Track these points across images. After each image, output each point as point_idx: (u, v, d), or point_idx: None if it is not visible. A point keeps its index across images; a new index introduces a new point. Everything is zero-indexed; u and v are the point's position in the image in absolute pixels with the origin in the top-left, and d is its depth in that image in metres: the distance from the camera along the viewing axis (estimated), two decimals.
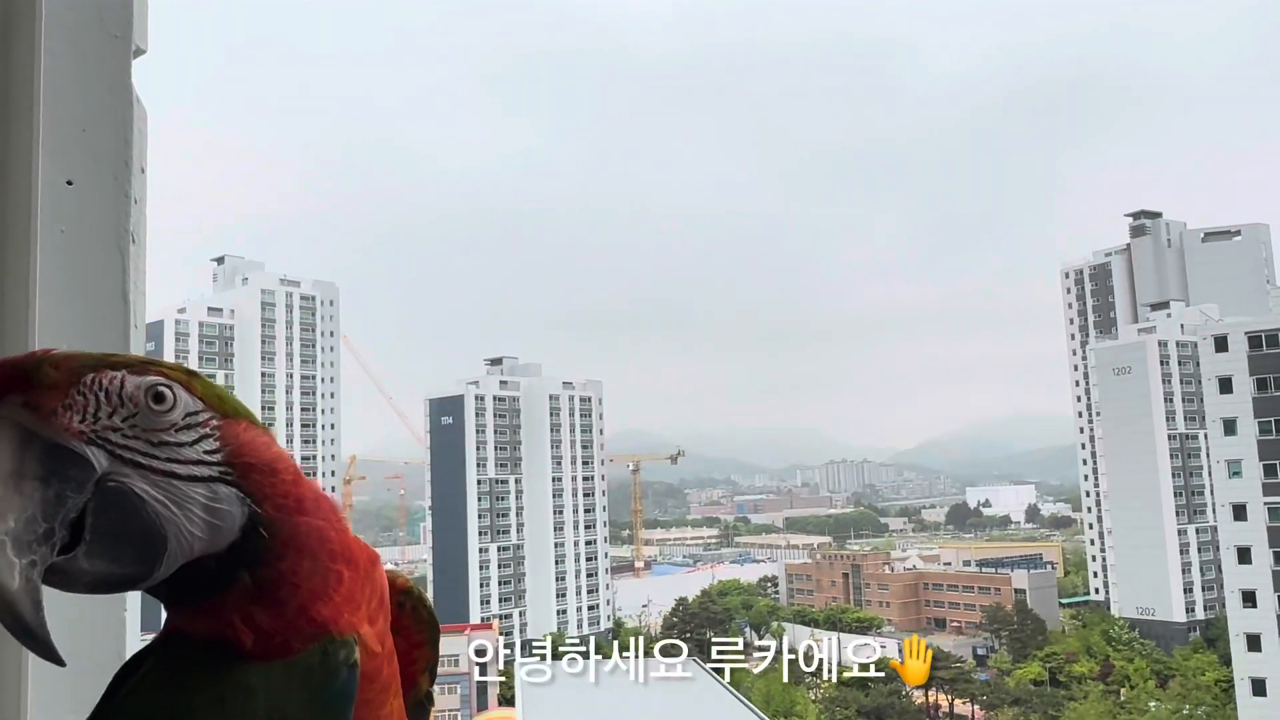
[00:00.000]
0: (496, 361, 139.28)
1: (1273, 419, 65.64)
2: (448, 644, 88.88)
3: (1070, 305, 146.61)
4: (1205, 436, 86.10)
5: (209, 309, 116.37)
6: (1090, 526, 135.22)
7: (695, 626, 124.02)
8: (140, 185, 1.98)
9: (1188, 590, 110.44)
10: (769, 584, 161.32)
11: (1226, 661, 76.99)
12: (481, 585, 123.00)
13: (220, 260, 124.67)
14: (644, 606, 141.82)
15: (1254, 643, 65.53)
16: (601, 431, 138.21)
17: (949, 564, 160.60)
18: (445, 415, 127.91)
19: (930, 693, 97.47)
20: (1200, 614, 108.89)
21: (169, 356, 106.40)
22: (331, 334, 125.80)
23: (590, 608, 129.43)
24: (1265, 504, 65.42)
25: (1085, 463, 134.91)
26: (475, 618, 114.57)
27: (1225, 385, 67.78)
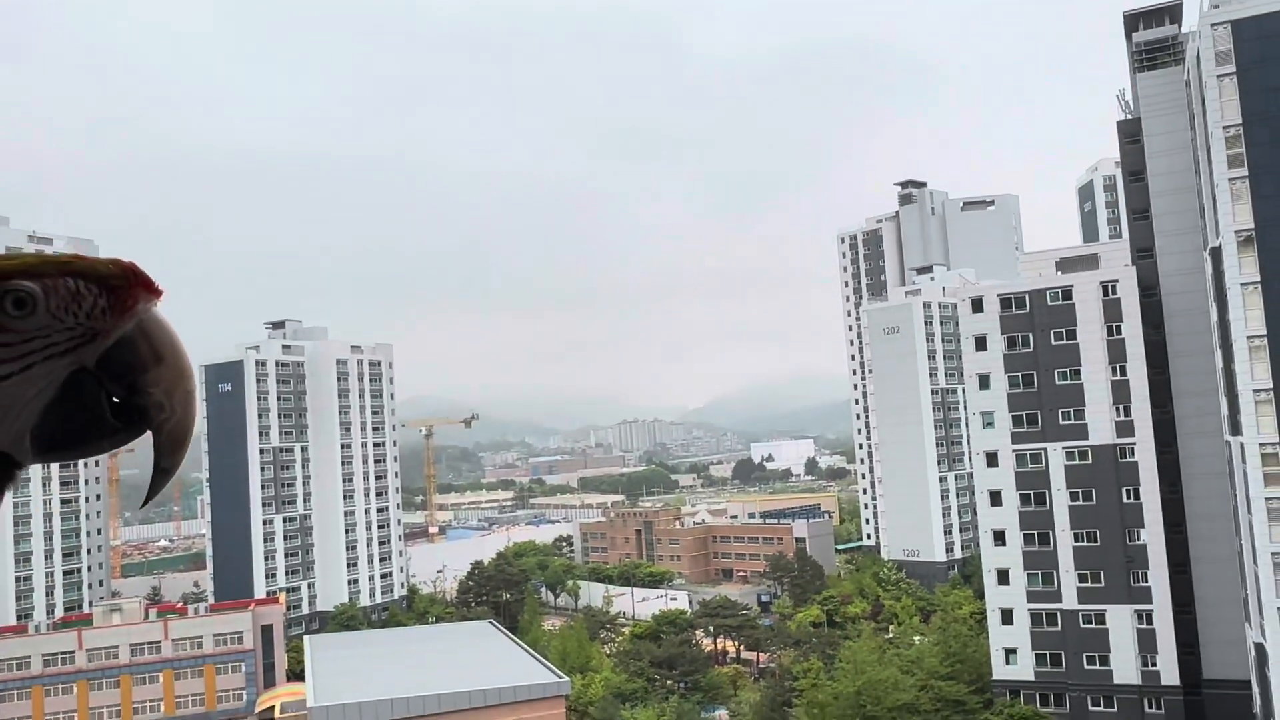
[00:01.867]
0: (279, 325, 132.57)
1: (1020, 374, 71.97)
2: (230, 621, 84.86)
3: (845, 269, 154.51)
4: (963, 391, 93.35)
5: None
6: (863, 477, 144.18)
7: (491, 589, 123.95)
8: None
9: (947, 532, 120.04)
10: (564, 544, 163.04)
11: (980, 595, 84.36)
12: (267, 558, 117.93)
13: None
14: (439, 572, 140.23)
15: (1003, 577, 72.18)
16: (392, 396, 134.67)
17: (735, 517, 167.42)
18: (223, 382, 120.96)
19: (718, 640, 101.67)
20: (959, 553, 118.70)
21: None
22: None
23: (384, 576, 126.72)
24: (1014, 451, 71.86)
25: (859, 417, 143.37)
26: (260, 592, 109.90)
27: (980, 343, 73.63)
